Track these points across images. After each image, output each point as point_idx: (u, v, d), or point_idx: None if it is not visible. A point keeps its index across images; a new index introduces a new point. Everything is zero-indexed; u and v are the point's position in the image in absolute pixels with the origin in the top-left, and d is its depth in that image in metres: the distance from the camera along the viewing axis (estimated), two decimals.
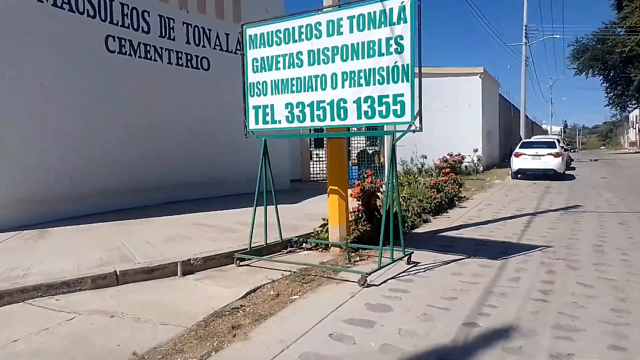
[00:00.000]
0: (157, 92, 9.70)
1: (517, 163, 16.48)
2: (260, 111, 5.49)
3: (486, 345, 3.14)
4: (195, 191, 10.21)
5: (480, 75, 20.22)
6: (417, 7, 4.39)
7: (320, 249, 5.85)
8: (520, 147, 17.00)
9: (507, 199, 10.98)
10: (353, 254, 5.47)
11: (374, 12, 4.61)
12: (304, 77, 5.10)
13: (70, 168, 7.81)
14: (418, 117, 4.46)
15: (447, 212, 8.85)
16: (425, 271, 4.87)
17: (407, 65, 4.46)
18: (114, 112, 8.73)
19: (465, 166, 19.43)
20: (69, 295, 4.15)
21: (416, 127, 4.47)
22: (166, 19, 10.26)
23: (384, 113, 4.61)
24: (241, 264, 5.17)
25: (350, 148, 18.47)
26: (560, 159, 15.84)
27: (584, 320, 3.47)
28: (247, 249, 5.35)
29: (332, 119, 4.93)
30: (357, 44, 4.74)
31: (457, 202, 10.04)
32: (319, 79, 5.00)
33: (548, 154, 15.87)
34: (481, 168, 20.08)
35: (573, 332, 3.28)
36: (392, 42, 4.53)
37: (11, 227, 6.63)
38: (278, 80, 5.31)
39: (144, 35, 9.70)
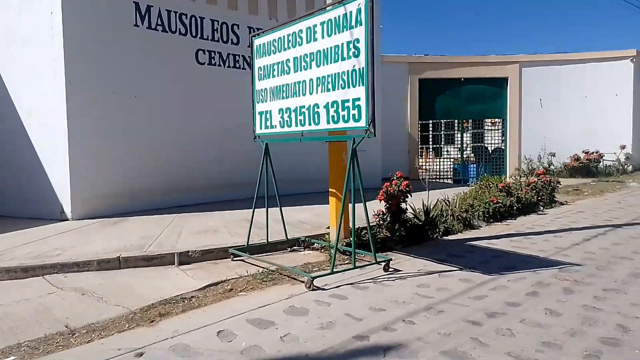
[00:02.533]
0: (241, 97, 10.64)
1: None
2: (264, 116, 5.83)
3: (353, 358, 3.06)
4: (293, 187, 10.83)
5: (632, 59, 17.20)
6: (370, 9, 4.27)
7: (321, 250, 5.97)
8: None
9: (612, 206, 9.39)
10: (346, 257, 5.51)
11: (339, 17, 4.60)
12: (291, 84, 5.29)
13: (154, 168, 9.12)
14: (372, 123, 4.33)
15: (514, 219, 8.03)
16: (394, 280, 4.70)
17: (362, 68, 4.36)
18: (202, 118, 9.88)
19: (607, 165, 16.88)
20: (78, 274, 5.08)
21: (370, 133, 4.35)
22: (254, 29, 11.16)
23: (345, 118, 4.58)
24: (235, 259, 5.60)
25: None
26: None
27: (479, 354, 3.10)
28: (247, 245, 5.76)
29: (310, 124, 5.04)
30: (327, 49, 4.77)
31: (541, 207, 8.99)
32: (300, 85, 5.15)
33: None
34: (629, 168, 17.17)
35: None
36: (351, 45, 4.48)
37: (105, 215, 8.11)
38: (274, 87, 5.59)
39: (232, 47, 10.73)
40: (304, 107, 5.10)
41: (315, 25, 4.90)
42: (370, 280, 4.68)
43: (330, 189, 5.84)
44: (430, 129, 18.39)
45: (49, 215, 8.01)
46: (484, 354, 3.06)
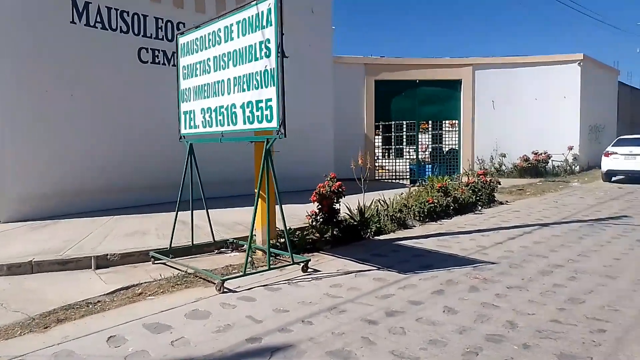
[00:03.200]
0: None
1: (606, 163, 14.32)
2: (188, 116, 5.75)
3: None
4: (232, 189, 10.69)
5: (579, 63, 17.81)
6: (279, 9, 4.26)
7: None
8: (613, 145, 14.72)
9: (547, 206, 9.68)
10: (272, 257, 5.48)
11: (253, 16, 4.58)
12: (212, 83, 5.24)
13: (92, 168, 8.87)
14: (282, 123, 4.32)
15: (449, 219, 8.17)
16: (309, 280, 4.70)
17: (273, 69, 4.35)
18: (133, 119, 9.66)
19: (555, 166, 17.42)
20: None
21: (281, 134, 4.34)
22: None
23: (260, 118, 4.56)
24: (156, 262, 5.49)
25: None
26: None
27: (364, 353, 3.13)
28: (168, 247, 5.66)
29: (229, 124, 5.00)
30: (242, 49, 4.74)
31: (479, 207, 9.18)
32: (219, 85, 5.10)
33: None
34: (577, 168, 17.78)
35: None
36: (263, 45, 4.46)
37: (39, 217, 7.84)
38: (197, 86, 5.52)
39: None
40: (223, 107, 5.06)
41: (232, 25, 4.86)
42: (286, 282, 4.67)
43: (256, 190, 5.79)
44: (393, 129, 18.56)
45: None
46: (368, 353, 3.09)
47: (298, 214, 7.16)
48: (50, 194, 8.23)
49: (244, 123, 4.76)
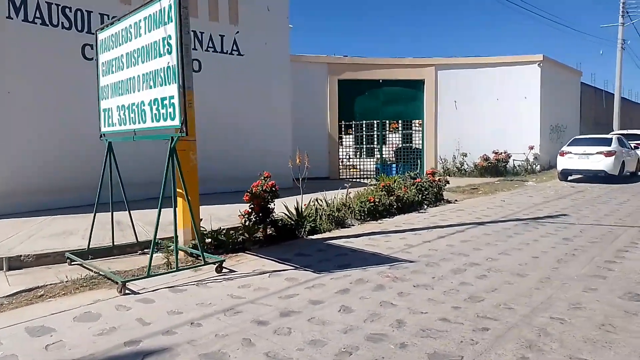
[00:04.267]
0: None
1: (561, 163, 14.54)
2: (107, 114, 5.62)
3: None
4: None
5: (538, 64, 18.07)
6: (178, 5, 4.17)
7: (170, 253, 5.81)
8: (568, 145, 14.95)
9: (493, 205, 9.78)
10: (193, 258, 5.40)
11: (157, 12, 4.49)
12: (125, 80, 5.12)
13: (31, 167, 8.65)
14: (184, 122, 4.23)
15: (391, 217, 8.18)
16: (220, 281, 4.64)
17: (175, 66, 4.27)
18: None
19: (516, 165, 17.66)
20: None
21: (182, 132, 4.26)
22: None
23: (164, 116, 4.47)
24: (73, 263, 5.34)
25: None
26: (612, 158, 13.60)
27: (238, 354, 3.07)
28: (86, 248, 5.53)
29: (139, 122, 4.90)
30: (149, 45, 4.65)
31: (425, 206, 9.23)
32: (131, 82, 4.99)
33: (598, 153, 13.73)
34: (537, 168, 18.04)
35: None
36: (166, 42, 4.37)
37: None
38: (113, 84, 5.40)
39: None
40: (134, 104, 4.95)
41: (140, 21, 4.76)
42: (195, 283, 4.59)
43: (177, 190, 5.70)
44: (358, 129, 18.58)
45: None
46: (241, 355, 3.03)
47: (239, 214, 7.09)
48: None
49: (152, 121, 4.66)
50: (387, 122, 18.25)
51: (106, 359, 3.05)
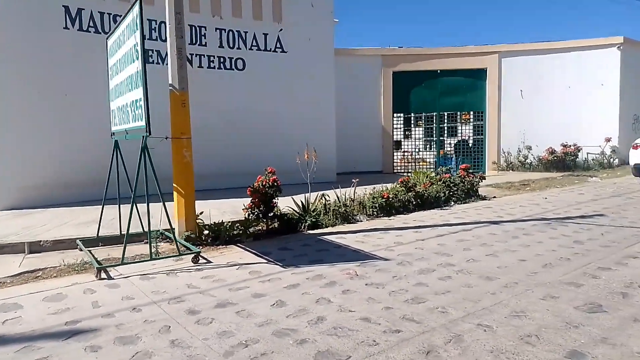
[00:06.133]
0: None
1: (634, 157, 13.07)
2: (112, 115, 6.16)
3: None
4: (233, 180, 11.23)
5: (618, 47, 16.36)
6: (139, 14, 4.48)
7: (171, 242, 6.24)
8: None
9: (530, 203, 9.15)
10: (184, 248, 5.78)
11: (132, 20, 4.85)
12: (119, 84, 5.60)
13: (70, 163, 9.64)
14: (147, 122, 4.56)
15: (407, 214, 8.02)
16: (190, 272, 4.94)
17: (140, 71, 4.60)
18: None
19: (592, 159, 16.22)
20: None
21: (147, 132, 4.59)
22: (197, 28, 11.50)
23: (138, 117, 4.84)
24: (82, 249, 5.96)
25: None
26: None
27: (147, 340, 3.31)
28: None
29: (127, 123, 5.33)
30: (127, 51, 5.04)
31: (452, 202, 8.90)
32: (122, 86, 5.45)
33: None
34: (616, 162, 16.41)
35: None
36: (137, 48, 4.72)
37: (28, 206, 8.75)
38: (114, 87, 5.91)
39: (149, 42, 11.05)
40: (124, 106, 5.40)
41: (124, 29, 5.16)
42: (167, 272, 4.93)
43: (174, 184, 6.10)
44: (421, 121, 18.17)
45: None
46: (150, 340, 3.27)
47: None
48: (39, 185, 9.09)
49: (133, 121, 5.07)
50: (446, 114, 17.59)
51: (40, 335, 3.44)
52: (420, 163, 17.92)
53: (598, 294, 3.95)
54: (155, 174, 4.92)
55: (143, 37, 4.50)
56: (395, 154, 17.56)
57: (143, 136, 4.79)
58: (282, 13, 12.66)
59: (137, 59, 4.65)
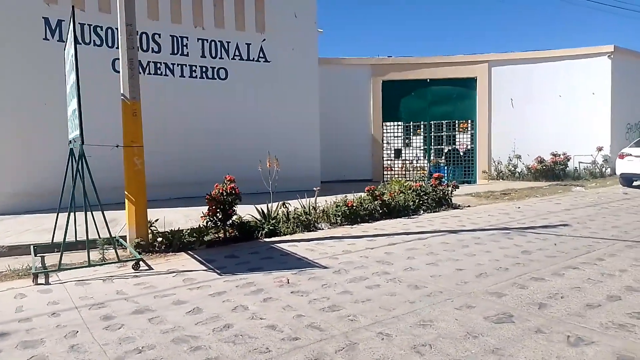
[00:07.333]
0: (162, 103, 11.13)
1: (620, 166, 13.02)
2: (69, 122, 6.28)
3: None
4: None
5: (609, 55, 16.25)
6: (73, 30, 4.60)
7: (125, 249, 6.32)
8: (630, 147, 13.32)
9: (500, 212, 9.09)
10: (128, 255, 5.85)
11: (70, 30, 4.95)
12: (68, 92, 5.71)
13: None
14: (80, 131, 4.66)
15: (371, 222, 8.02)
16: (128, 278, 5.00)
17: (75, 82, 4.70)
18: None
19: (581, 168, 16.08)
20: None
21: (80, 141, 4.68)
22: (178, 38, 11.70)
23: (75, 127, 4.94)
24: (37, 255, 6.06)
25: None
26: None
27: (50, 345, 3.37)
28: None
29: (73, 131, 5.43)
30: (70, 62, 5.14)
31: (422, 211, 8.88)
32: (68, 96, 5.55)
33: None
34: (607, 171, 16.22)
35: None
36: (72, 59, 4.82)
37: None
38: (68, 93, 6.02)
39: (153, 55, 11.32)
40: (71, 115, 5.51)
41: (70, 38, 5.28)
42: (104, 278, 5.00)
43: (126, 192, 6.19)
44: (410, 130, 18.16)
45: None
46: (52, 345, 3.32)
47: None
48: (19, 193, 9.27)
49: (74, 130, 5.17)
50: (436, 123, 17.54)
51: None
52: (420, 171, 17.84)
53: (515, 305, 3.93)
54: (94, 181, 5.00)
55: (76, 49, 4.61)
56: (395, 162, 17.53)
57: (79, 145, 4.88)
58: (265, 23, 12.81)
59: (74, 69, 4.76)
